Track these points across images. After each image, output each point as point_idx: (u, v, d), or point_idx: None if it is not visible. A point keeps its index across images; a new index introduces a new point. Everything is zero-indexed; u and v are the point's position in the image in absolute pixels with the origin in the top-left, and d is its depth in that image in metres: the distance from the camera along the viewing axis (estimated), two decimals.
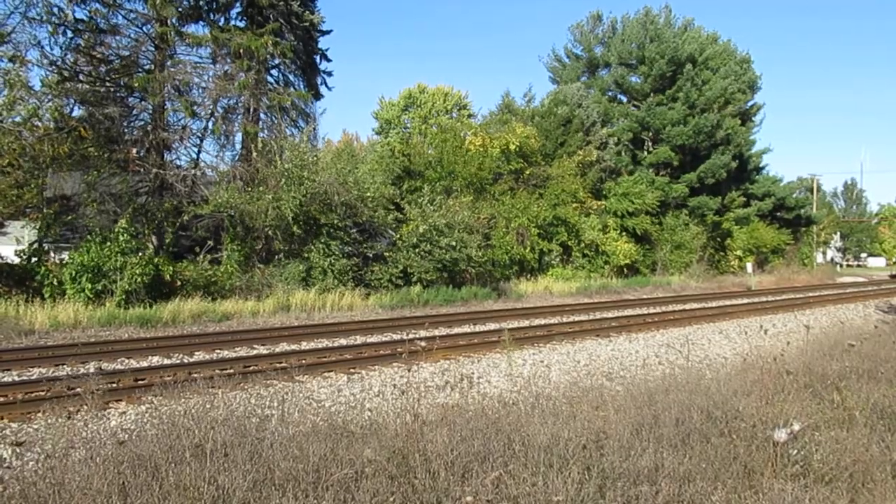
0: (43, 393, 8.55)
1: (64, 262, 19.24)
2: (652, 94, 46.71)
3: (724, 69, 47.13)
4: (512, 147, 33.33)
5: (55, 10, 22.64)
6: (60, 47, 23.62)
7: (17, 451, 6.51)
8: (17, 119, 19.88)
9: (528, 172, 34.60)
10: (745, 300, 26.66)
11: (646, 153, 47.07)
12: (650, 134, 47.02)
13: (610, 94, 49.39)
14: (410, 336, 14.46)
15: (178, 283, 19.57)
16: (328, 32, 31.26)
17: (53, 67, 22.99)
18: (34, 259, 19.15)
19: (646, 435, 5.63)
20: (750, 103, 51.19)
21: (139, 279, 18.09)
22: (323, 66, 31.05)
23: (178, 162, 25.98)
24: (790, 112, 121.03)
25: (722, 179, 46.82)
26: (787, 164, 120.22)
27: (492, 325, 16.93)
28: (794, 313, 21.69)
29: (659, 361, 11.83)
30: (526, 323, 17.44)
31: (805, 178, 65.66)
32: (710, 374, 8.58)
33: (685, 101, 45.42)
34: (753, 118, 52.12)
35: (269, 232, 22.70)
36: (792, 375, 7.03)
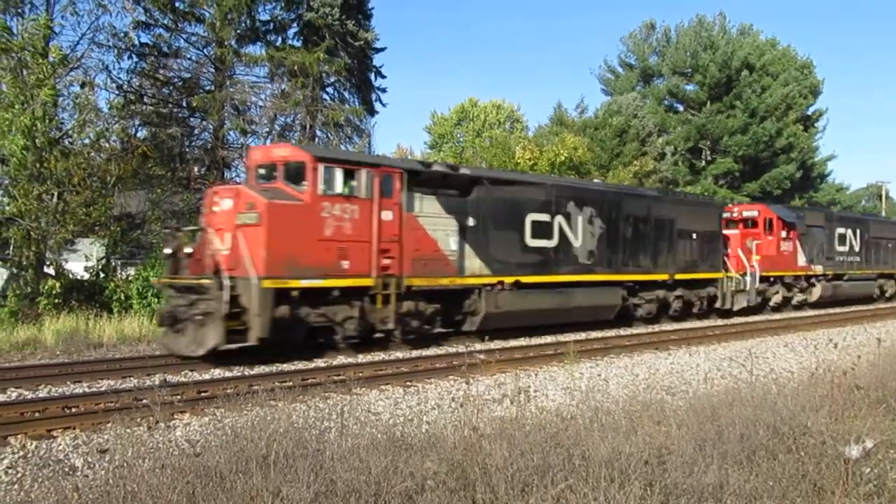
0: (112, 404, 8.83)
1: (130, 277, 19.89)
2: (709, 103, 45.88)
3: (783, 75, 46.01)
4: (561, 159, 33.08)
5: (121, 34, 23.58)
6: (126, 71, 24.60)
7: (89, 460, 6.75)
8: (87, 141, 20.73)
9: None
10: (812, 312, 25.80)
11: (704, 162, 46.18)
12: (708, 143, 46.12)
13: (665, 103, 48.73)
14: (465, 349, 14.45)
15: None
16: (382, 50, 31.68)
17: (119, 91, 23.93)
18: (102, 275, 19.87)
19: (709, 451, 5.50)
20: (812, 109, 49.82)
21: None
22: (377, 82, 31.45)
23: (237, 179, 26.66)
24: (857, 117, 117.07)
25: (786, 189, 45.60)
26: (855, 171, 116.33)
27: (547, 338, 16.79)
28: (864, 325, 20.89)
29: (721, 375, 11.53)
30: (582, 335, 17.24)
31: (874, 184, 63.35)
32: (775, 389, 8.33)
33: (745, 108, 44.42)
34: (816, 124, 50.68)
35: None
36: (863, 390, 6.79)
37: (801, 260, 25.79)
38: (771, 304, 25.01)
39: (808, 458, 5.37)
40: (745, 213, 25.29)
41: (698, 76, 46.32)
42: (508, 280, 16.05)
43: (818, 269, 26.70)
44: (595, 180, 27.08)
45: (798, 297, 26.24)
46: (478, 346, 14.46)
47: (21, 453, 6.96)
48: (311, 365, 12.74)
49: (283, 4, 27.86)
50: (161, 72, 25.83)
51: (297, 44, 27.97)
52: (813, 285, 26.74)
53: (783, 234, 24.87)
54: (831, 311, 26.53)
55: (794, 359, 14.43)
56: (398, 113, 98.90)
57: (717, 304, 22.29)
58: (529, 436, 5.60)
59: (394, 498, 4.27)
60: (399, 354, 14.02)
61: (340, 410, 6.63)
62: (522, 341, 16.23)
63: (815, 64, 49.35)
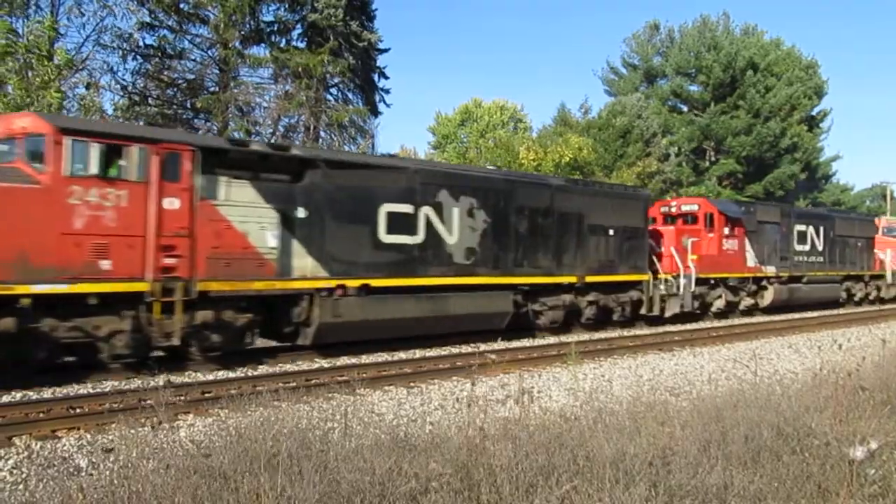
0: (116, 405, 8.85)
1: None
2: (713, 103, 45.85)
3: (787, 75, 45.98)
4: (565, 160, 33.06)
5: (125, 36, 23.67)
6: (130, 72, 24.69)
7: (94, 460, 6.77)
8: None
9: None
10: (816, 313, 25.73)
11: (708, 163, 46.16)
12: (712, 144, 46.11)
13: (669, 104, 48.71)
14: (470, 350, 14.44)
15: None
16: (386, 51, 31.80)
17: (124, 92, 24.03)
18: None
19: (714, 452, 5.50)
20: (817, 109, 49.74)
21: None
22: (381, 83, 31.59)
23: None
24: (862, 118, 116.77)
25: (790, 189, 45.56)
26: (860, 171, 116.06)
27: (551, 339, 16.78)
28: (868, 326, 20.83)
29: (725, 376, 11.52)
30: (586, 336, 17.23)
31: (878, 185, 63.23)
32: (779, 390, 8.32)
33: (749, 108, 44.40)
34: (821, 125, 50.60)
35: None
36: (868, 391, 6.77)
37: (751, 260, 23.10)
38: (713, 309, 22.21)
39: (813, 460, 5.37)
40: (685, 208, 22.45)
41: (702, 77, 46.27)
42: (353, 283, 13.32)
43: (770, 270, 23.86)
44: (489, 166, 23.89)
45: (746, 302, 23.39)
46: (482, 347, 14.43)
47: (26, 454, 7.00)
48: (315, 365, 12.76)
49: (286, 6, 27.97)
50: (165, 73, 25.95)
51: (301, 45, 28.06)
52: (765, 288, 23.86)
53: (726, 230, 22.12)
54: (835, 311, 26.45)
55: (798, 360, 14.42)
56: (402, 114, 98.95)
57: (643, 310, 19.38)
58: (534, 436, 5.60)
59: (399, 499, 4.28)
60: (402, 355, 14.03)
61: (344, 411, 6.64)
62: (526, 342, 16.22)
63: (820, 64, 49.44)
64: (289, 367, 12.44)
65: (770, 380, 10.10)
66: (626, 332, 18.44)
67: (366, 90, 30.75)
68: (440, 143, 50.99)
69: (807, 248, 25.84)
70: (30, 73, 18.31)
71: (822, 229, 26.65)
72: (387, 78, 31.69)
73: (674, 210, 22.55)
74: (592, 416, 6.83)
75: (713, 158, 46.59)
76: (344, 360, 13.27)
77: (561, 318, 17.33)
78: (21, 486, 6.04)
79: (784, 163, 45.14)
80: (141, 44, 24.85)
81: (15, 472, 6.47)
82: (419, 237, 14.48)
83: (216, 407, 8.46)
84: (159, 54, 25.37)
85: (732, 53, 44.72)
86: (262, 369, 12.19)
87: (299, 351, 13.33)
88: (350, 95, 30.61)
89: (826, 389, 7.45)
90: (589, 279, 17.68)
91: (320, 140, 28.17)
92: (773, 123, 43.74)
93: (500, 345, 13.85)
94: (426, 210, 14.57)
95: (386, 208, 13.95)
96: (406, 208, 14.27)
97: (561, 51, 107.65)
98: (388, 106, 32.64)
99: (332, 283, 13.06)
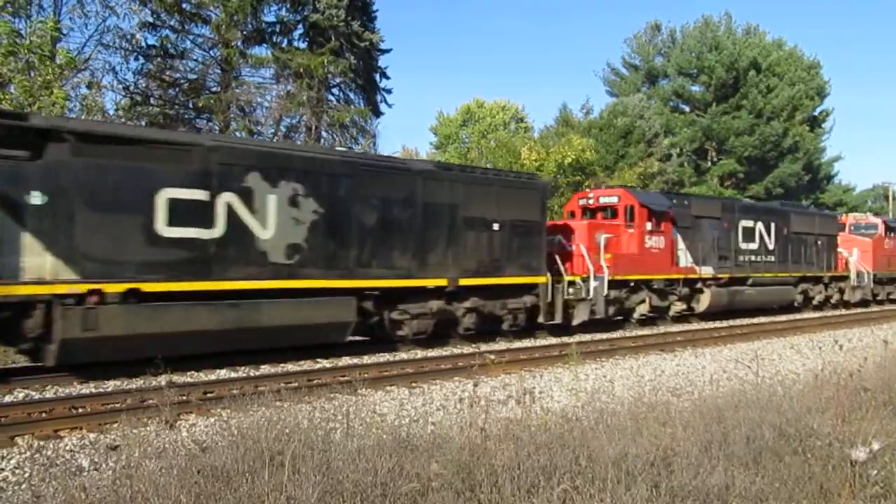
0: (118, 404, 8.86)
1: None
2: (715, 104, 45.86)
3: (790, 75, 45.99)
4: (568, 161, 33.03)
5: (127, 36, 23.72)
6: (132, 72, 24.74)
7: (96, 460, 6.78)
8: None
9: (586, 184, 34.30)
10: (818, 314, 25.72)
11: (710, 163, 46.17)
12: (714, 144, 46.13)
13: (671, 104, 48.72)
14: (472, 350, 14.45)
15: None
16: (387, 51, 31.85)
17: (126, 92, 24.07)
18: None
19: (715, 452, 5.50)
20: (819, 109, 49.73)
21: None
22: (382, 83, 31.64)
23: None
24: (864, 118, 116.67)
25: (791, 189, 45.57)
26: (862, 171, 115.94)
27: (552, 340, 16.79)
28: (870, 327, 20.82)
29: (727, 377, 11.54)
30: (588, 337, 17.24)
31: (880, 185, 63.22)
32: (781, 391, 8.33)
33: (751, 108, 44.42)
34: (822, 125, 50.58)
35: None
36: (870, 392, 6.78)
37: (683, 260, 20.32)
38: (635, 315, 19.50)
39: (815, 460, 5.37)
40: (603, 200, 19.59)
41: (704, 77, 46.28)
42: (114, 288, 10.54)
43: (706, 271, 20.99)
44: (339, 148, 19.09)
45: (677, 307, 20.67)
46: (483, 347, 14.42)
47: (28, 453, 7.01)
48: (317, 366, 12.77)
49: (288, 6, 28.01)
50: (167, 73, 25.99)
51: (303, 45, 28.11)
52: (700, 291, 21.11)
53: (649, 225, 19.24)
54: (837, 312, 26.42)
55: (800, 360, 14.41)
56: (404, 114, 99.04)
57: (541, 318, 16.63)
58: (535, 437, 5.61)
59: (400, 499, 4.29)
60: (404, 355, 14.04)
61: (346, 411, 6.66)
62: (527, 342, 16.23)
63: (822, 64, 49.35)
64: (290, 367, 12.45)
65: (772, 380, 10.10)
66: (627, 333, 18.44)
67: (367, 90, 30.79)
68: (442, 144, 51.01)
69: (754, 246, 23.11)
70: (32, 74, 18.34)
71: (773, 226, 23.87)
72: (388, 78, 31.76)
73: (591, 202, 19.81)
74: (594, 417, 6.84)
75: (715, 159, 46.59)
76: (346, 361, 13.28)
77: (429, 329, 14.72)
78: (24, 486, 6.05)
79: (786, 163, 45.16)
80: (143, 44, 24.94)
81: (17, 471, 6.49)
82: (217, 231, 11.71)
83: (218, 407, 8.47)
84: (161, 54, 25.42)
85: (735, 54, 44.73)
86: (264, 369, 12.20)
87: (44, 374, 10.62)
88: (352, 95, 30.67)
89: (828, 390, 7.45)
90: (465, 282, 14.93)
91: (322, 140, 28.21)
92: (775, 124, 43.75)
93: (501, 345, 13.88)
94: (227, 197, 11.80)
95: (167, 194, 11.16)
96: (197, 194, 11.48)
97: (562, 51, 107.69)
98: (389, 106, 32.78)
99: (82, 288, 10.28)
